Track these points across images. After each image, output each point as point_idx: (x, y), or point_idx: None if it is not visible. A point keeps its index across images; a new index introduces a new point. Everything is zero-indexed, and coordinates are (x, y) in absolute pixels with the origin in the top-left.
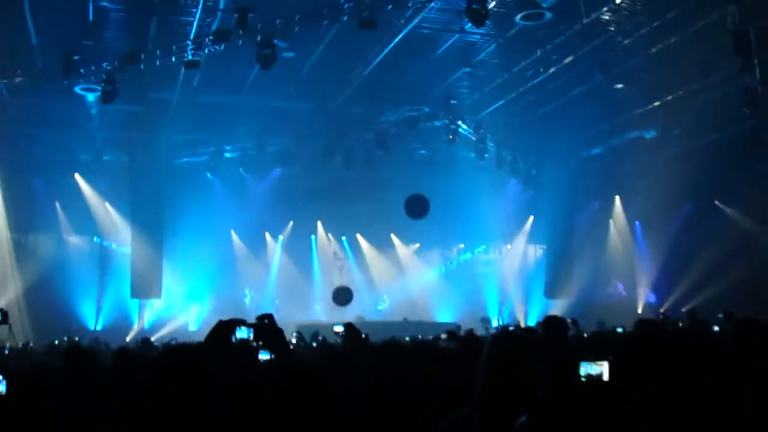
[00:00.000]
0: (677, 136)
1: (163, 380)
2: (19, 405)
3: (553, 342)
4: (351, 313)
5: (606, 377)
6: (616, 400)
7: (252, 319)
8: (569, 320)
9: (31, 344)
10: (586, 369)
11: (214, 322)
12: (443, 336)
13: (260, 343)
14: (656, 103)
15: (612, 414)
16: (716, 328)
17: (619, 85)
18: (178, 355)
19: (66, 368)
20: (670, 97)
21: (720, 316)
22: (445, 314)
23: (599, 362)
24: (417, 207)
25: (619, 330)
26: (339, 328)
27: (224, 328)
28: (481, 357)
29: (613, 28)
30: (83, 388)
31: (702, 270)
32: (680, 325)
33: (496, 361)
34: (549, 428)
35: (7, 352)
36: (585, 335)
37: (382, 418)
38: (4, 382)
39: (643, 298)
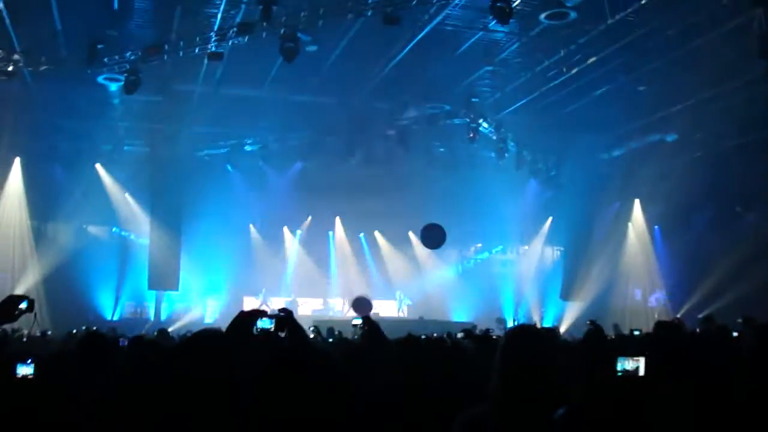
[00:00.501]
0: (699, 140)
1: (185, 366)
2: (47, 388)
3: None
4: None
5: (642, 372)
6: (651, 395)
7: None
8: (588, 321)
9: (50, 332)
10: (623, 364)
11: (230, 315)
12: (459, 335)
13: (281, 334)
14: (678, 107)
15: (648, 408)
16: (735, 334)
17: (642, 87)
18: (203, 340)
19: (82, 353)
20: (692, 101)
21: (740, 320)
22: (460, 314)
23: (636, 358)
24: (433, 237)
25: (636, 333)
26: (358, 321)
27: (245, 319)
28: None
29: (637, 30)
30: (101, 373)
31: (721, 276)
32: (697, 330)
33: (510, 356)
34: (587, 421)
35: (25, 340)
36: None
37: (399, 413)
38: (33, 365)
39: (660, 303)
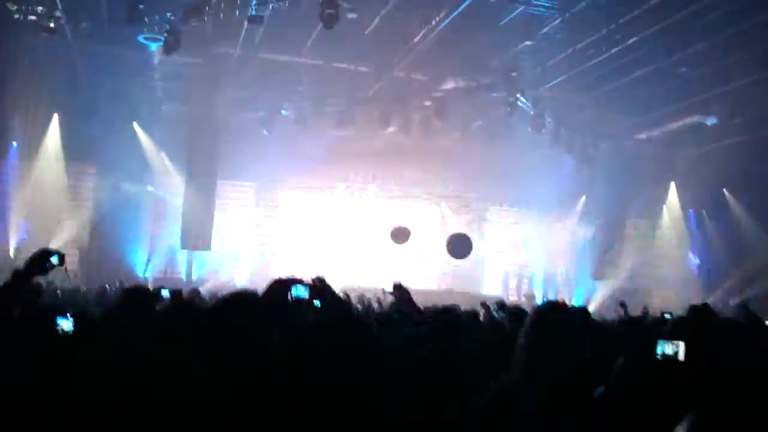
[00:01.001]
0: (739, 125)
1: (223, 327)
2: (86, 344)
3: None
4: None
5: (681, 357)
6: (691, 380)
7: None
8: (619, 302)
9: (83, 288)
10: (663, 348)
11: (260, 278)
12: (492, 305)
13: (318, 302)
14: (719, 90)
15: (687, 393)
16: None
17: (684, 69)
18: (241, 301)
19: (123, 305)
20: (733, 85)
21: None
22: (490, 287)
23: (676, 342)
24: (461, 248)
25: (667, 316)
26: (389, 288)
27: (280, 287)
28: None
29: (681, 11)
30: (141, 327)
31: (756, 263)
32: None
33: (538, 333)
34: (625, 403)
35: (60, 294)
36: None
37: (434, 381)
38: (72, 320)
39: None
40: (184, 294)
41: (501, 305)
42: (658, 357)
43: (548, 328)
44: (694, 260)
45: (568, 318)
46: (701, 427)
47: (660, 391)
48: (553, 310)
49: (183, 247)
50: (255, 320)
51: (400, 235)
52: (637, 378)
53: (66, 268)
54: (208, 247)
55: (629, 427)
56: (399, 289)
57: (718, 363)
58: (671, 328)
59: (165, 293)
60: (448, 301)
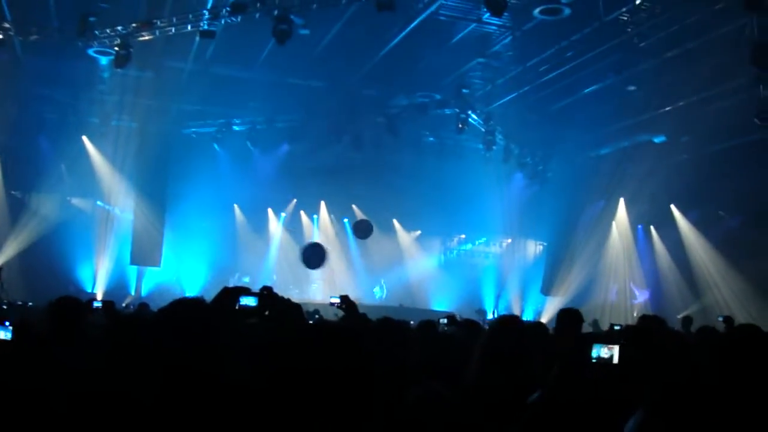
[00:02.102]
0: (686, 143)
1: (166, 332)
2: (22, 351)
3: (567, 333)
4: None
5: (616, 360)
6: (624, 382)
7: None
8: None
9: (30, 303)
10: (598, 351)
11: (212, 294)
12: (442, 320)
13: (267, 313)
14: (668, 108)
15: (619, 395)
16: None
17: (632, 87)
18: (187, 307)
19: (54, 315)
20: (682, 103)
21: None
22: (441, 303)
23: (611, 345)
24: (313, 256)
25: (617, 328)
26: (336, 300)
27: (228, 295)
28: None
29: (630, 30)
30: (74, 335)
31: (702, 279)
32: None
33: (496, 343)
34: (559, 406)
35: (5, 307)
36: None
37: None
38: (10, 328)
39: (640, 300)
40: (133, 309)
41: (451, 320)
42: (593, 360)
43: (505, 341)
44: (640, 294)
45: (524, 331)
46: (648, 425)
47: (594, 392)
48: (511, 323)
49: (132, 263)
50: (202, 327)
51: (362, 228)
52: (572, 380)
53: (3, 282)
54: (158, 264)
55: (563, 427)
56: (346, 302)
57: (653, 368)
58: (606, 333)
59: (97, 305)
60: (398, 318)
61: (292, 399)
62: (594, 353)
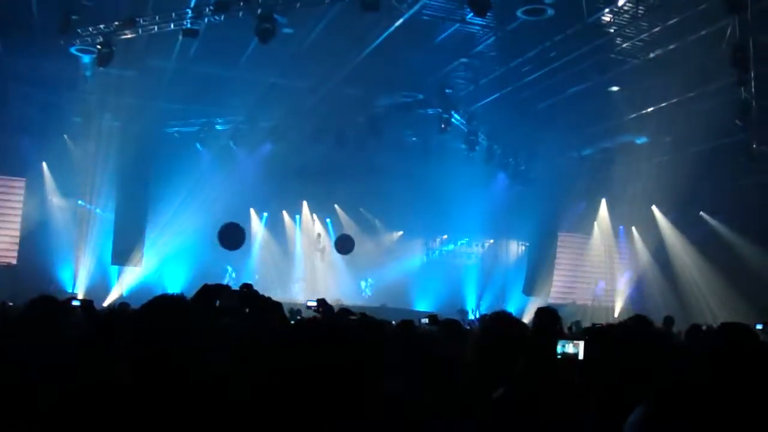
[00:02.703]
0: (668, 144)
1: (147, 329)
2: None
3: (544, 332)
4: (330, 296)
5: (581, 355)
6: (588, 378)
7: None
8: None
9: (10, 303)
10: (563, 347)
11: (193, 294)
12: (423, 320)
13: (247, 310)
14: (650, 109)
15: (583, 389)
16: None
17: (615, 88)
18: (166, 304)
19: (31, 314)
20: (663, 104)
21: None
22: (423, 303)
23: (576, 342)
24: (231, 237)
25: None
26: (312, 303)
27: (209, 293)
28: (473, 335)
29: (612, 31)
30: (53, 335)
31: (681, 279)
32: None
33: (491, 338)
34: (523, 401)
35: None
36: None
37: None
38: None
39: (621, 301)
40: (115, 307)
41: (432, 319)
42: (559, 356)
43: (500, 335)
44: (600, 286)
45: (518, 326)
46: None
47: (558, 387)
48: (506, 318)
49: (114, 262)
50: (181, 323)
51: (344, 243)
52: (537, 376)
53: None
54: (139, 264)
55: (528, 421)
56: (323, 306)
57: (615, 363)
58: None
59: (76, 303)
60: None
61: (283, 396)
62: (559, 349)
